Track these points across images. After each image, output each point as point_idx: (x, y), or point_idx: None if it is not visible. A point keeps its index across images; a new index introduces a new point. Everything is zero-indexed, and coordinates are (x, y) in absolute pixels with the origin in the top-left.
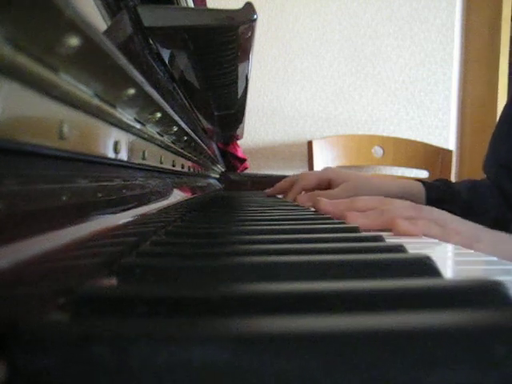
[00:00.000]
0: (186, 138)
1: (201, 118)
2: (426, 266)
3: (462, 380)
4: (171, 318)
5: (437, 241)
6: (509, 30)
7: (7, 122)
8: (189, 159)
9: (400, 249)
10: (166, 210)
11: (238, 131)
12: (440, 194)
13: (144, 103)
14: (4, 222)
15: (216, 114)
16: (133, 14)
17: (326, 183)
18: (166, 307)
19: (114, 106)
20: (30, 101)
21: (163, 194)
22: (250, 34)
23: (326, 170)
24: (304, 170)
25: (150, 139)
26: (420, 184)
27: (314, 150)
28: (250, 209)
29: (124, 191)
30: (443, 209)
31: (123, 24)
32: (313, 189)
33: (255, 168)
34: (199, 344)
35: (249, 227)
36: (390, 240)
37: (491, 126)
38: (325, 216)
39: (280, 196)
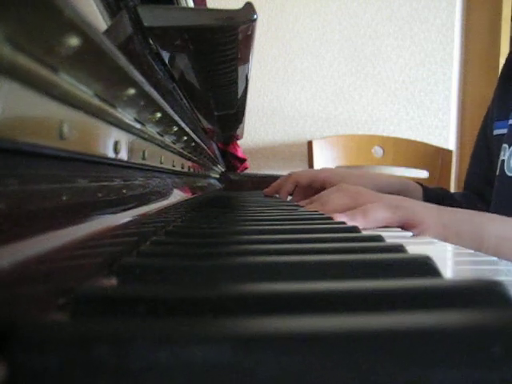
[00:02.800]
0: (185, 138)
1: (201, 118)
2: (426, 266)
3: (462, 380)
4: (171, 318)
5: (437, 240)
6: (509, 29)
7: (7, 122)
8: (189, 159)
9: (400, 249)
10: (166, 210)
11: (238, 131)
12: (437, 197)
13: (144, 103)
14: (4, 221)
15: (216, 114)
16: (133, 14)
17: (319, 183)
18: (166, 307)
19: (114, 106)
20: (30, 101)
21: (163, 194)
22: (250, 34)
23: (322, 170)
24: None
25: (150, 139)
26: (417, 184)
27: (314, 149)
28: (250, 209)
29: (124, 191)
30: None
31: (123, 24)
32: (306, 187)
33: (255, 168)
34: (199, 344)
35: (249, 227)
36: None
37: None
38: (325, 216)
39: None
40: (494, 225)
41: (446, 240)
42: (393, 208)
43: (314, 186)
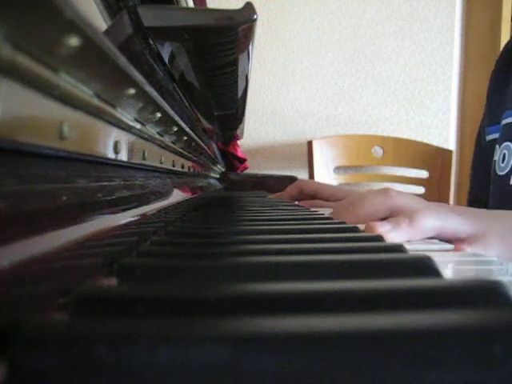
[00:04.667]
0: (185, 138)
1: (201, 118)
2: (426, 266)
3: (462, 380)
4: (171, 318)
5: (437, 240)
6: (509, 29)
7: (7, 122)
8: (189, 159)
9: (400, 249)
10: (166, 210)
11: (238, 131)
12: None
13: (144, 103)
14: (4, 221)
15: (216, 113)
16: (133, 14)
17: (324, 197)
18: (166, 307)
19: (114, 106)
20: (30, 101)
21: (163, 194)
22: (250, 34)
23: (328, 185)
24: (304, 169)
25: (150, 139)
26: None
27: (314, 150)
28: (250, 209)
29: (124, 191)
30: None
31: (123, 24)
32: (309, 197)
33: (255, 168)
34: (199, 344)
35: (249, 227)
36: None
37: None
38: (325, 216)
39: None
40: None
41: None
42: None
43: (317, 198)
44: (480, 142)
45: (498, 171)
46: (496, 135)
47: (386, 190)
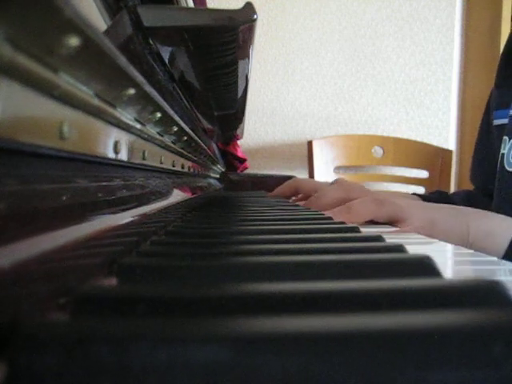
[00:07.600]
0: (185, 138)
1: (201, 118)
2: (426, 266)
3: (462, 380)
4: (171, 318)
5: (437, 240)
6: (509, 30)
7: (7, 122)
8: (189, 159)
9: (400, 249)
10: (166, 210)
11: (238, 131)
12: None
13: (144, 103)
14: (4, 221)
15: (216, 113)
16: (133, 14)
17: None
18: (165, 307)
19: (114, 106)
20: (30, 101)
21: (163, 194)
22: (249, 34)
23: (324, 183)
24: (304, 169)
25: (150, 139)
26: (416, 197)
27: (314, 150)
28: (250, 209)
29: (124, 191)
30: None
31: (123, 24)
32: (305, 196)
33: (255, 168)
34: (199, 344)
35: (249, 227)
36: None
37: None
38: (325, 216)
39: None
40: (478, 220)
41: (431, 236)
42: (378, 203)
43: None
44: (487, 124)
45: (506, 167)
46: (504, 120)
47: (340, 184)
